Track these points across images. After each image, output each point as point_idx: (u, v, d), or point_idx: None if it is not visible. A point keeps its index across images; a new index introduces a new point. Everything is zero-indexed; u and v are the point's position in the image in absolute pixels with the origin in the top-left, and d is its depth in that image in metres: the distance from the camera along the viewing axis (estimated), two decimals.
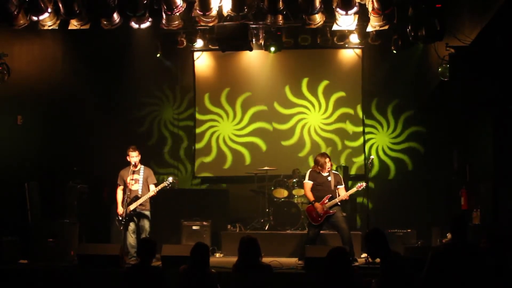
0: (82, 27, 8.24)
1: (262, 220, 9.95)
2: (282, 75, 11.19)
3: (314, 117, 11.09)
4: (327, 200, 7.75)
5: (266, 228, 9.74)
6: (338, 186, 7.94)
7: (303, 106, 11.12)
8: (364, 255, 8.23)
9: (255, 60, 11.13)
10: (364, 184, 7.96)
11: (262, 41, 9.73)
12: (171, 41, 10.06)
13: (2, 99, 8.51)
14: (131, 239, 8.03)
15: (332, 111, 11.04)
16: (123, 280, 5.28)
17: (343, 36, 9.85)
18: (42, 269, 7.14)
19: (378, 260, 4.96)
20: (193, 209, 9.76)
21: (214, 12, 7.95)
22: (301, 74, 11.18)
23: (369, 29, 8.53)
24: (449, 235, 7.67)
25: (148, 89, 11.29)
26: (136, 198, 8.02)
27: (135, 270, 5.37)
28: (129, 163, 8.10)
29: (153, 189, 8.04)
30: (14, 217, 8.39)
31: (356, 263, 7.44)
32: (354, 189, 8.00)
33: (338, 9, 7.61)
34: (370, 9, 7.72)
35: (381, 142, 11.00)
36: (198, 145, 11.22)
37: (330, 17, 8.28)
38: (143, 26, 8.26)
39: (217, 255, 9.05)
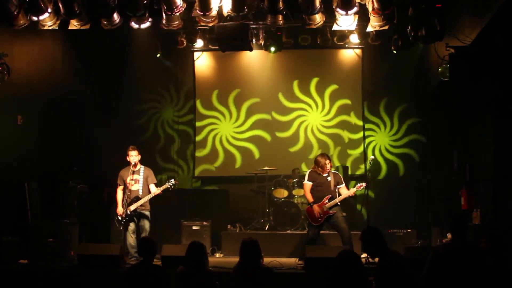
0: (82, 27, 8.24)
1: (262, 220, 9.95)
2: (282, 75, 11.19)
3: (314, 117, 11.09)
4: (327, 201, 7.74)
5: (266, 228, 9.74)
6: (338, 186, 7.92)
7: (303, 105, 11.12)
8: (364, 255, 8.22)
9: (255, 60, 11.13)
10: (364, 184, 7.94)
11: (262, 41, 9.74)
12: (171, 41, 10.07)
13: (2, 99, 8.51)
14: (131, 239, 8.01)
15: (332, 111, 11.05)
16: (124, 279, 5.27)
17: (343, 36, 9.85)
18: (42, 269, 7.13)
19: (377, 259, 4.95)
20: (193, 209, 9.75)
21: (214, 12, 7.95)
22: (301, 74, 11.18)
23: (369, 29, 8.53)
24: (449, 235, 7.68)
25: (148, 89, 11.29)
26: (137, 198, 7.99)
27: (136, 270, 5.36)
28: (129, 163, 8.08)
29: (153, 190, 8.00)
30: (14, 217, 8.38)
31: None
32: (354, 189, 7.98)
33: (338, 9, 7.61)
34: (370, 9, 7.72)
35: (381, 142, 11.00)
36: (198, 145, 11.22)
37: (330, 17, 8.27)
38: (143, 26, 8.26)
39: (217, 255, 9.05)
